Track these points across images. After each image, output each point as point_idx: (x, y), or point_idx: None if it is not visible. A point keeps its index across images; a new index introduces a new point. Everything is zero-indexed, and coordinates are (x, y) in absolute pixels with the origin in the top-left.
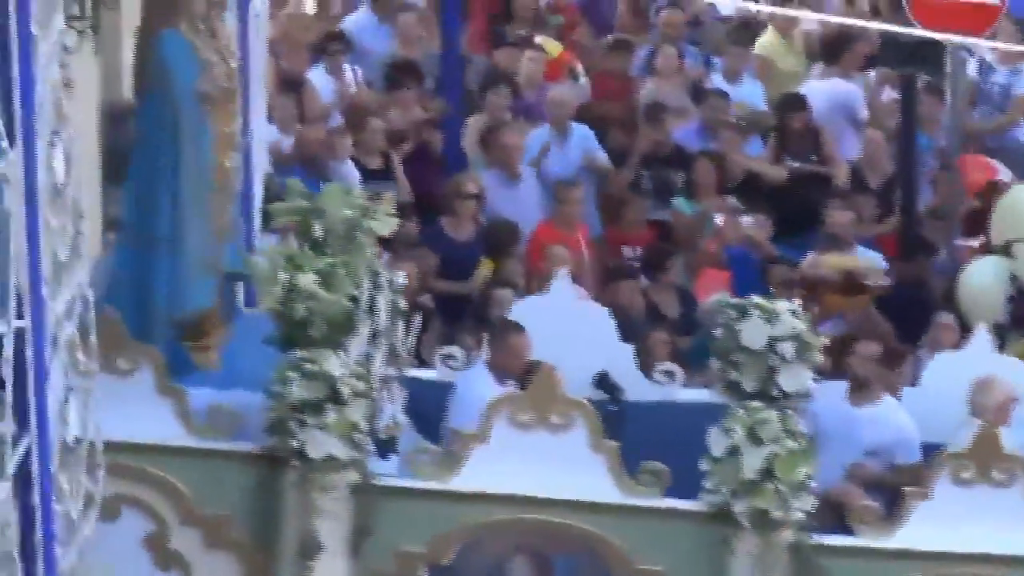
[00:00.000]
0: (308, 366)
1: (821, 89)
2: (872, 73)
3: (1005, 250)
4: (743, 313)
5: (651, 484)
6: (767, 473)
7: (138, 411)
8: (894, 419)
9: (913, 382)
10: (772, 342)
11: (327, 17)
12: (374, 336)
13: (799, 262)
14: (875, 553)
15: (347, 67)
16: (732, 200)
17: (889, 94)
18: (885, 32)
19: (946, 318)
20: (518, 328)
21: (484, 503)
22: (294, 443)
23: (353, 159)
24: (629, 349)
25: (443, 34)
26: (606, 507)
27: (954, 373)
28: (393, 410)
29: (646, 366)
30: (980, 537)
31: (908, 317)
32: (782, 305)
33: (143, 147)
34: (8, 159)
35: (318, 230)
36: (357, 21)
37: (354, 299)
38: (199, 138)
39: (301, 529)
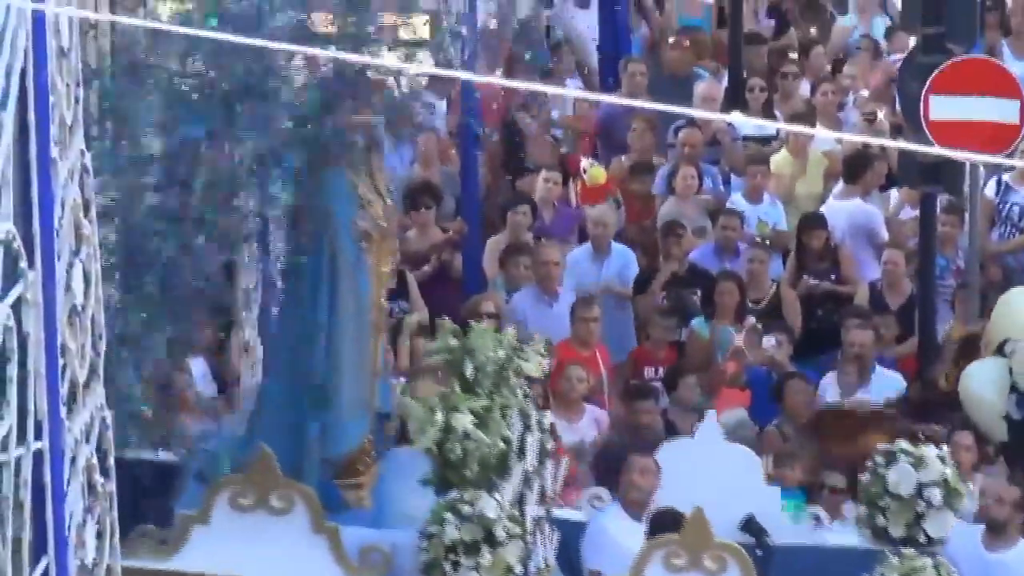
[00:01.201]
0: (464, 507)
1: (841, 209)
2: (892, 192)
3: (1001, 350)
4: (891, 459)
5: None
6: None
7: (292, 550)
8: None
9: None
10: (920, 488)
11: None
12: (525, 477)
13: (817, 381)
14: None
15: None
16: (752, 320)
17: (908, 213)
18: (904, 151)
19: (965, 438)
20: (647, 465)
21: None
22: None
23: None
24: (775, 492)
25: (461, 155)
26: None
27: None
28: (545, 552)
29: None
30: None
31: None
32: (930, 451)
33: (296, 286)
34: (28, 280)
35: (469, 370)
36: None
37: (507, 440)
38: (357, 276)
39: None
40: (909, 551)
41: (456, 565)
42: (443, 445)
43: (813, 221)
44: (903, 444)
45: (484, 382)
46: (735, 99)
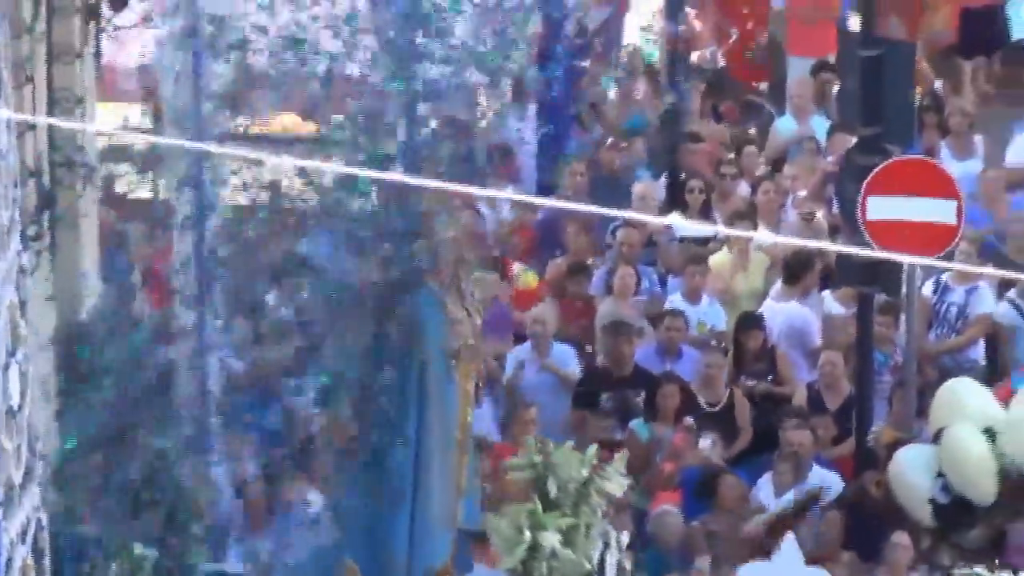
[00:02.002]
0: None
1: (779, 311)
2: (828, 292)
3: (936, 438)
4: None
5: None
6: None
7: None
8: None
9: None
10: None
11: None
12: None
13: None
14: None
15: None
16: (690, 421)
17: (846, 311)
18: (842, 251)
19: (901, 538)
20: None
21: None
22: None
23: None
24: None
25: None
26: None
27: None
28: None
29: None
30: None
31: (864, 537)
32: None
33: (386, 403)
34: None
35: (553, 489)
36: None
37: (591, 559)
38: (445, 393)
39: None
40: None
41: None
42: (528, 563)
43: (750, 322)
44: (979, 570)
45: (566, 500)
46: (674, 199)
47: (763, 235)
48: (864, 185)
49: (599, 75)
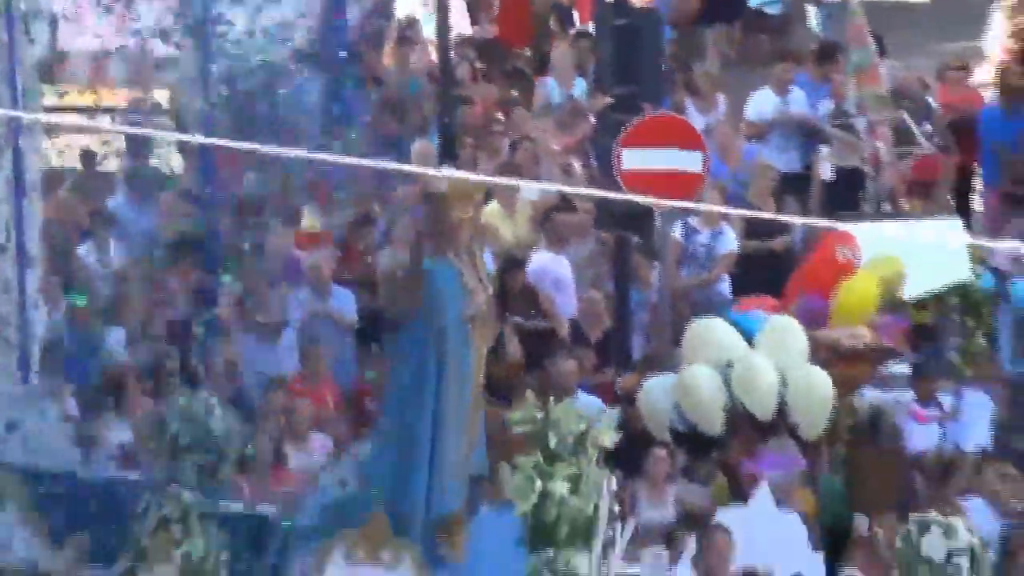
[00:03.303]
0: (560, 565)
1: (542, 255)
2: (590, 237)
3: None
4: (924, 528)
5: None
6: None
7: None
8: None
9: None
10: (950, 555)
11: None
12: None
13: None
14: None
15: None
16: None
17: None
18: (600, 199)
19: (660, 452)
20: (722, 530)
21: None
22: None
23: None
24: (819, 556)
25: (203, 206)
26: None
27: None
28: None
29: None
30: None
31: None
32: (959, 522)
33: (407, 364)
34: None
35: (552, 441)
36: (118, 201)
37: (595, 505)
38: (463, 356)
39: None
40: None
41: None
42: (539, 509)
43: (512, 264)
44: (936, 515)
45: (564, 452)
46: (447, 155)
47: (527, 183)
48: (619, 139)
49: (381, 46)
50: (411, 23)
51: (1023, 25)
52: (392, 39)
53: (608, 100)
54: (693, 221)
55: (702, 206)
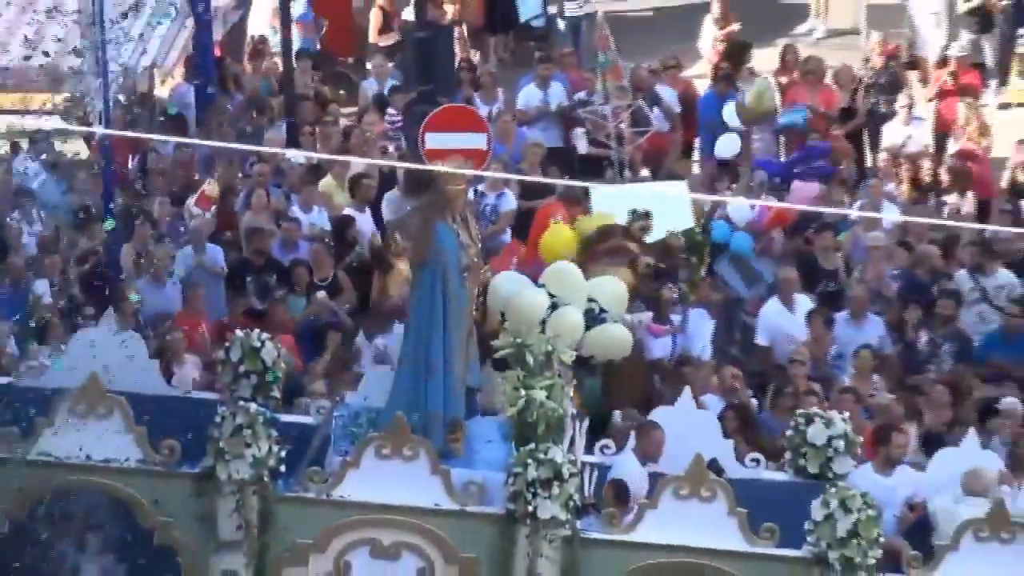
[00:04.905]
0: (541, 455)
1: (364, 215)
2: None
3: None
4: (809, 420)
5: (769, 538)
6: (853, 532)
7: (417, 484)
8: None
9: None
10: (829, 440)
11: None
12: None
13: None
14: None
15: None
16: (323, 294)
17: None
18: (408, 171)
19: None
20: (657, 426)
21: (652, 551)
22: (528, 508)
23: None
24: (730, 444)
25: (104, 183)
26: (737, 554)
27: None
28: (587, 487)
29: None
30: None
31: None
32: (836, 415)
33: (421, 303)
34: None
35: (530, 359)
36: (41, 181)
37: (563, 408)
38: (461, 298)
39: (529, 568)
40: (842, 484)
41: (534, 494)
42: (523, 412)
43: (344, 222)
44: (817, 410)
45: (537, 366)
46: (292, 141)
47: (354, 159)
48: (422, 125)
49: (239, 57)
50: (262, 39)
51: (727, 31)
52: (248, 52)
53: (412, 95)
54: (482, 186)
55: (488, 174)
